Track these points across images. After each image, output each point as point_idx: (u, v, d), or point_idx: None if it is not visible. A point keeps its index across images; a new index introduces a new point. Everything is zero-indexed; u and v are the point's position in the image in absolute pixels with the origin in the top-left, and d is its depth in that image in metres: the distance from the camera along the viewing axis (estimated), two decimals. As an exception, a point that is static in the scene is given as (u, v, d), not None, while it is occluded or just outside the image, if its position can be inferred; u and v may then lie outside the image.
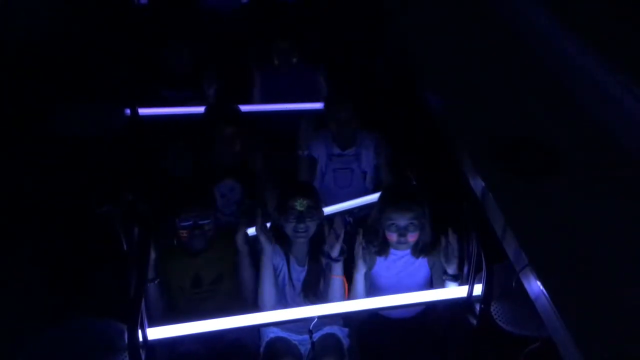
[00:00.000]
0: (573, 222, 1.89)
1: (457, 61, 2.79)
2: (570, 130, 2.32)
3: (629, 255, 1.77)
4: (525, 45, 2.88)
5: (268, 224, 2.38)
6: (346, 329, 2.44)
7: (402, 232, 2.23)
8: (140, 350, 1.88)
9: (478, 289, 2.14)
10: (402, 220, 2.22)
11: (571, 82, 2.55)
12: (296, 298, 2.34)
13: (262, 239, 2.21)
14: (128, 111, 3.01)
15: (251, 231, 2.38)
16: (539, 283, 1.70)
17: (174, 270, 2.29)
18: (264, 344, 2.37)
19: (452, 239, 2.22)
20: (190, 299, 2.31)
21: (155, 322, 2.05)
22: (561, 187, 2.04)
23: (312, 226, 2.28)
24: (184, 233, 2.24)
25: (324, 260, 2.29)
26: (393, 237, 2.25)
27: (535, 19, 2.88)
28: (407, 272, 2.36)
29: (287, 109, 3.21)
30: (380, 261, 2.36)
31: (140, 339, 1.90)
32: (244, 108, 2.99)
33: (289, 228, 2.27)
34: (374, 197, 2.55)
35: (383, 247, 2.32)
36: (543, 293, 1.67)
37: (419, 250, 2.32)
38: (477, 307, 2.15)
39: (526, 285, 1.80)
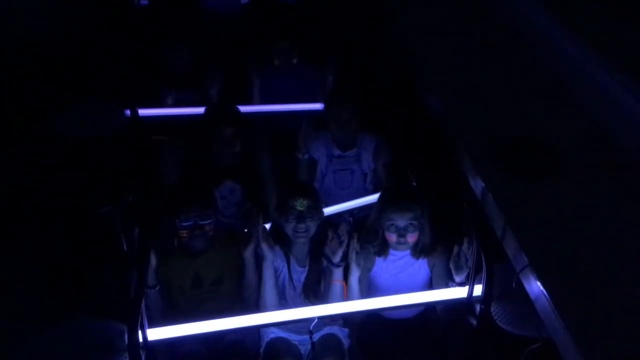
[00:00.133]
0: (573, 222, 1.89)
1: (457, 61, 2.78)
2: (570, 130, 2.32)
3: (629, 255, 1.77)
4: (525, 45, 2.87)
5: (268, 225, 2.39)
6: (346, 330, 2.44)
7: (402, 232, 2.23)
8: (141, 351, 1.88)
9: (478, 290, 2.14)
10: (401, 221, 2.22)
11: (571, 82, 2.55)
12: (296, 299, 2.34)
13: (264, 246, 2.21)
14: (128, 112, 3.01)
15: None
16: (539, 283, 1.70)
17: (174, 270, 2.29)
18: (264, 344, 2.37)
19: (467, 248, 2.21)
20: (190, 299, 2.31)
21: (155, 323, 2.05)
22: (561, 187, 2.03)
23: (312, 226, 2.28)
24: (184, 233, 2.24)
25: (324, 261, 2.29)
26: (392, 237, 2.25)
27: (535, 19, 2.88)
28: (406, 272, 2.36)
29: (287, 110, 3.21)
30: (379, 262, 2.36)
31: (140, 339, 1.89)
32: (244, 109, 2.99)
33: (289, 228, 2.27)
34: (374, 197, 2.55)
35: (382, 248, 2.32)
36: (543, 293, 1.67)
37: (418, 251, 2.32)
38: (477, 307, 2.15)
39: (526, 286, 1.79)
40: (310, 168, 2.90)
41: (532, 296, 1.76)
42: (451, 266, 2.26)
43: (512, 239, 1.87)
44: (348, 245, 2.24)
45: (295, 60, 3.39)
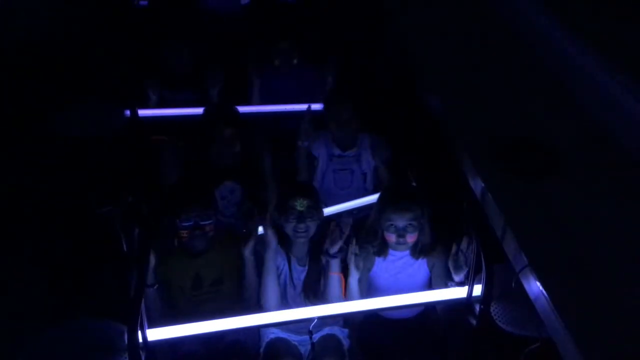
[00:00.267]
0: (573, 222, 1.89)
1: (457, 61, 2.78)
2: (570, 130, 2.32)
3: (629, 255, 1.77)
4: (525, 45, 2.87)
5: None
6: (346, 330, 2.44)
7: (401, 232, 2.23)
8: (140, 351, 1.88)
9: (478, 290, 2.14)
10: (400, 221, 2.22)
11: (571, 82, 2.55)
12: (297, 298, 2.34)
13: (269, 232, 2.21)
14: (128, 112, 3.01)
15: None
16: (538, 283, 1.70)
17: (174, 270, 2.29)
18: (263, 344, 2.37)
19: (465, 247, 2.20)
20: (190, 299, 2.31)
21: (154, 323, 2.05)
22: (561, 187, 2.04)
23: (312, 226, 2.28)
24: (184, 233, 2.23)
25: (323, 259, 2.30)
26: (392, 237, 2.25)
27: (535, 19, 2.88)
28: (406, 273, 2.36)
29: (287, 110, 3.21)
30: (379, 262, 2.36)
31: (140, 339, 1.89)
32: (244, 109, 2.99)
33: (289, 228, 2.27)
34: (373, 197, 2.55)
35: (382, 248, 2.32)
36: (542, 293, 1.67)
37: (418, 251, 2.32)
38: (477, 307, 2.15)
39: (526, 286, 1.79)
40: (309, 158, 2.88)
41: (531, 296, 1.76)
42: (450, 265, 2.26)
43: (512, 239, 1.87)
44: (348, 242, 2.23)
45: (295, 61, 3.39)
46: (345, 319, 2.45)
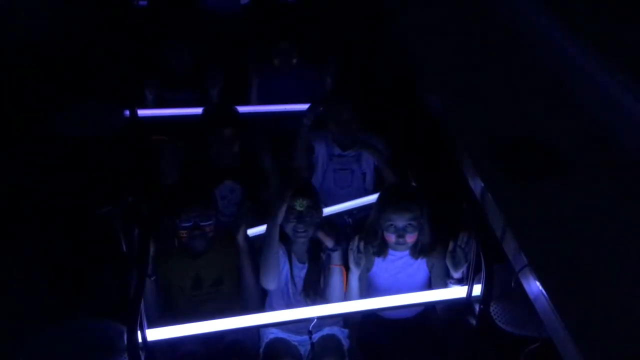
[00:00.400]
0: (573, 222, 1.88)
1: (457, 61, 2.78)
2: (570, 130, 2.32)
3: (629, 255, 1.77)
4: (525, 45, 2.87)
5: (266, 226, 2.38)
6: (346, 330, 2.44)
7: (401, 233, 2.23)
8: (140, 351, 1.88)
9: (477, 289, 2.14)
10: (400, 221, 2.22)
11: (571, 82, 2.55)
12: (297, 296, 2.34)
13: (280, 204, 2.20)
14: (128, 112, 3.01)
15: (251, 232, 2.39)
16: (538, 283, 1.70)
17: (174, 270, 2.29)
18: (263, 344, 2.37)
19: (463, 242, 2.20)
20: (190, 300, 2.30)
21: (151, 320, 2.05)
22: (561, 187, 2.03)
23: (312, 226, 2.28)
24: (184, 234, 2.23)
25: (323, 256, 2.30)
26: (391, 237, 2.25)
27: (535, 19, 2.88)
28: (405, 273, 2.36)
29: (287, 110, 3.21)
30: (378, 262, 2.36)
31: (140, 340, 1.89)
32: (244, 109, 2.99)
33: (289, 228, 2.27)
34: (373, 197, 2.55)
35: (382, 248, 2.32)
36: (542, 293, 1.67)
37: (417, 251, 2.32)
38: (477, 307, 2.14)
39: (525, 286, 1.79)
40: (309, 148, 2.90)
41: (531, 296, 1.76)
42: (447, 262, 2.25)
43: (512, 239, 1.86)
44: (347, 240, 2.24)
45: (295, 61, 3.40)
46: (345, 319, 2.45)
